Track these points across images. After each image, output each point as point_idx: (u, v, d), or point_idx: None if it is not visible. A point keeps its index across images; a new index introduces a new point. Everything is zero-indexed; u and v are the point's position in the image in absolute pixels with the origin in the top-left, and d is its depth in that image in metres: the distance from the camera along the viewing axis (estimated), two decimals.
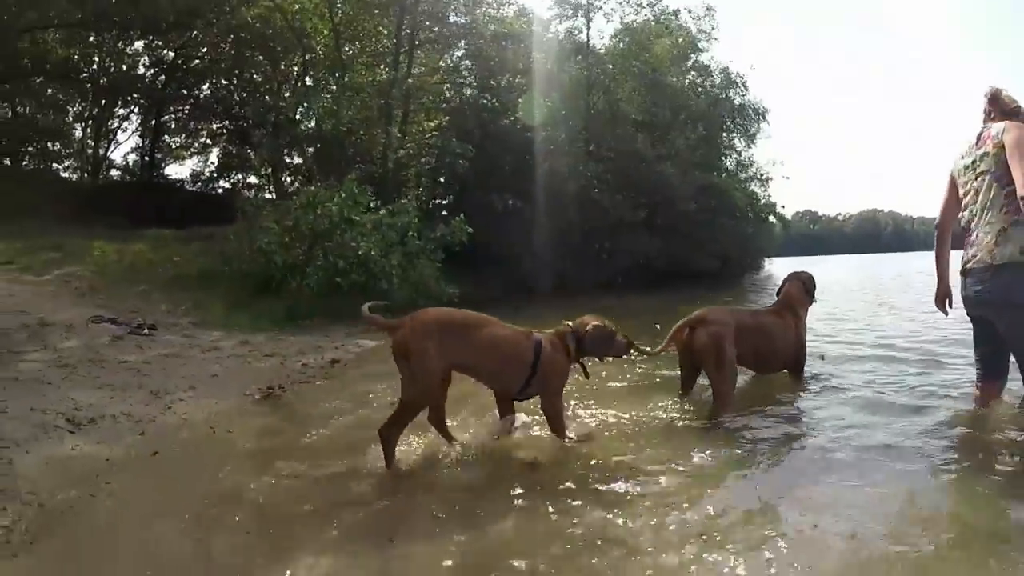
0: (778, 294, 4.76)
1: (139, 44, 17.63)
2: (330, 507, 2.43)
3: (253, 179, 19.75)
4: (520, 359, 3.06)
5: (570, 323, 3.31)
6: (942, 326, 6.04)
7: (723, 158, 28.64)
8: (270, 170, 17.73)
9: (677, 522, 2.20)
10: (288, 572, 1.91)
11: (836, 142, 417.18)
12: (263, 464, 3.00)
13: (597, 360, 3.49)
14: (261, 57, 17.16)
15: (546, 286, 14.59)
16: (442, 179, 15.32)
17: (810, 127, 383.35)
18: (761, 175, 30.02)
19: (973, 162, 3.27)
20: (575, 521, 2.23)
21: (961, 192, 3.37)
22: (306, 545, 2.10)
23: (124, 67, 18.08)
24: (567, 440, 3.14)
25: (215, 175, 19.83)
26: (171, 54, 18.01)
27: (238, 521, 2.34)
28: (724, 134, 28.57)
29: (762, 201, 27.80)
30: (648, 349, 3.97)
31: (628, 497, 2.45)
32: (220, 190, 19.40)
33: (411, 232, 10.40)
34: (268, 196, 16.61)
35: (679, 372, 4.22)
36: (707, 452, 2.96)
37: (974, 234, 3.23)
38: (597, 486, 2.56)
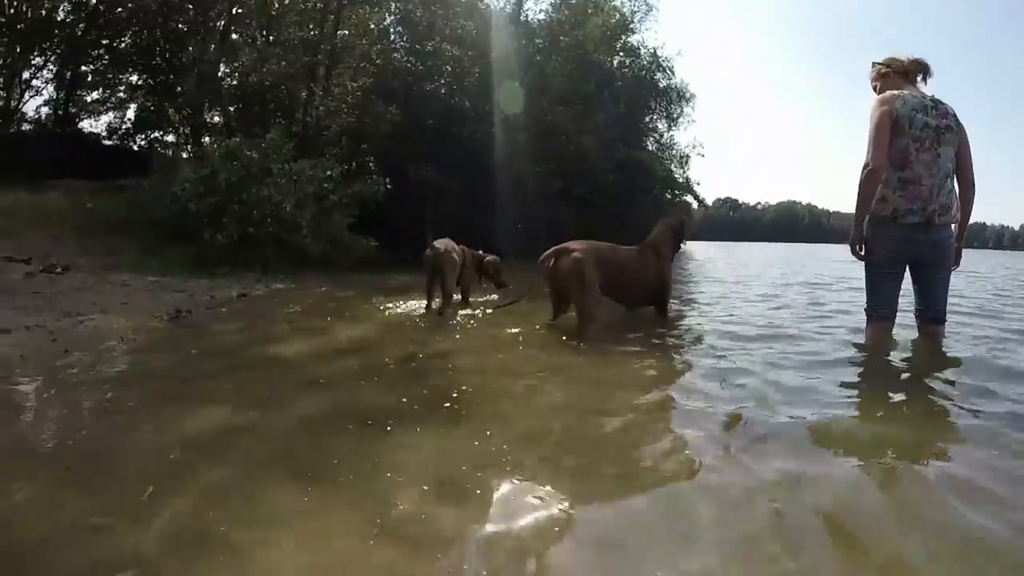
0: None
1: None
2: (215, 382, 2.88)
3: (171, 138, 19.12)
4: None
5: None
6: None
7: (644, 139, 29.58)
8: (188, 129, 17.41)
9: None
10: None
11: (762, 134, 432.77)
12: (160, 355, 3.48)
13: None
14: (189, 5, 16.71)
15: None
16: (364, 145, 15.50)
17: (738, 118, 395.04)
18: (681, 156, 31.22)
19: (936, 127, 3.47)
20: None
21: (911, 142, 3.47)
22: (181, 402, 2.57)
23: (43, 12, 17.26)
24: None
25: (131, 131, 18.98)
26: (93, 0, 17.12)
27: (139, 388, 2.74)
28: (647, 116, 29.46)
29: (679, 180, 28.92)
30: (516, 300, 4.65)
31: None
32: (136, 147, 18.71)
33: (327, 185, 10.69)
34: (185, 156, 16.33)
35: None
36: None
37: (932, 191, 3.47)
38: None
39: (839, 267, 15.56)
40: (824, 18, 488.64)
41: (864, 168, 3.50)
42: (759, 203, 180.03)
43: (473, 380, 3.01)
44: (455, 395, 2.71)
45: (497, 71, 17.22)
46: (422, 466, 1.94)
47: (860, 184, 3.55)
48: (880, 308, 3.73)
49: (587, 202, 19.70)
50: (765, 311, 5.96)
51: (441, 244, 5.35)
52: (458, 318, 5.08)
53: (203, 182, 9.59)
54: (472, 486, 1.78)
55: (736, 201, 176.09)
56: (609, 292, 4.64)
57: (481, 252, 6.34)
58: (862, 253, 3.73)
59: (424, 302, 5.56)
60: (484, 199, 15.70)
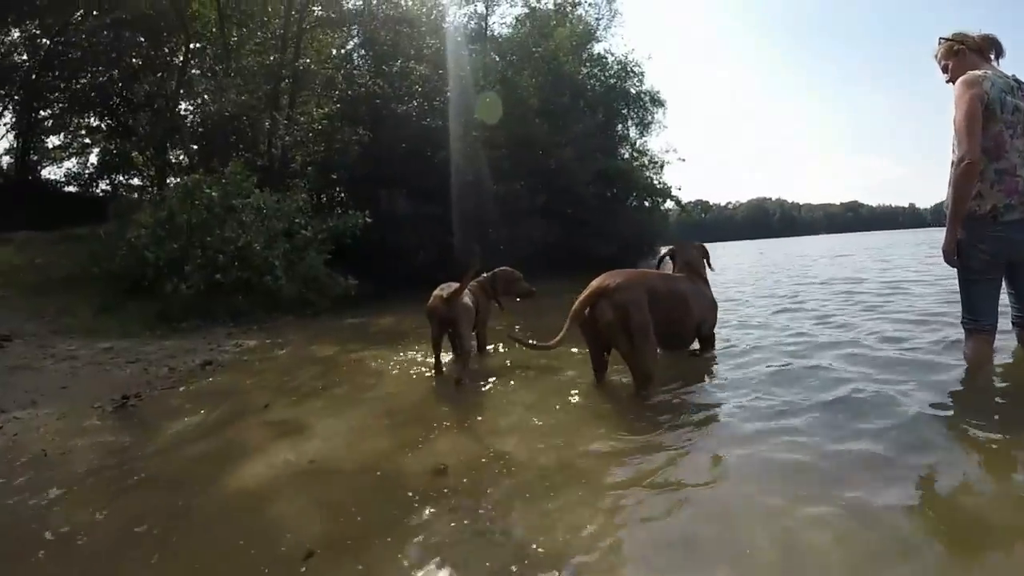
0: (673, 262, 4.49)
1: (16, 33, 16.10)
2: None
3: (136, 180, 18.16)
4: None
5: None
6: None
7: (619, 147, 29.18)
8: (153, 170, 16.56)
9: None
10: None
11: (727, 133, 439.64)
12: (87, 497, 2.55)
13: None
14: (143, 39, 16.13)
15: (442, 278, 14.14)
16: (334, 175, 14.76)
17: (701, 119, 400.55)
18: (656, 162, 30.75)
19: None
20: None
21: (1004, 129, 3.06)
22: None
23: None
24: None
25: (94, 176, 18.09)
26: (47, 42, 16.23)
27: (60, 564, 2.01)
28: (619, 124, 29.06)
29: (658, 186, 28.45)
30: (536, 343, 3.71)
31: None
32: (100, 192, 17.78)
33: (298, 220, 9.94)
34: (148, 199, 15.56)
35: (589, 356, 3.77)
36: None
37: None
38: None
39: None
40: (786, 8, 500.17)
41: (959, 163, 3.02)
42: (729, 203, 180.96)
43: (542, 521, 2.06)
44: (535, 562, 1.81)
45: (469, 88, 16.61)
46: None
47: (955, 181, 3.08)
48: (981, 319, 3.30)
49: (570, 217, 19.17)
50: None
51: (446, 289, 4.43)
52: (484, 387, 4.01)
53: (161, 226, 8.84)
54: None
55: (707, 203, 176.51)
56: (660, 334, 3.63)
57: (484, 275, 5.30)
58: (957, 259, 3.28)
59: (429, 358, 4.70)
60: (465, 222, 14.97)
